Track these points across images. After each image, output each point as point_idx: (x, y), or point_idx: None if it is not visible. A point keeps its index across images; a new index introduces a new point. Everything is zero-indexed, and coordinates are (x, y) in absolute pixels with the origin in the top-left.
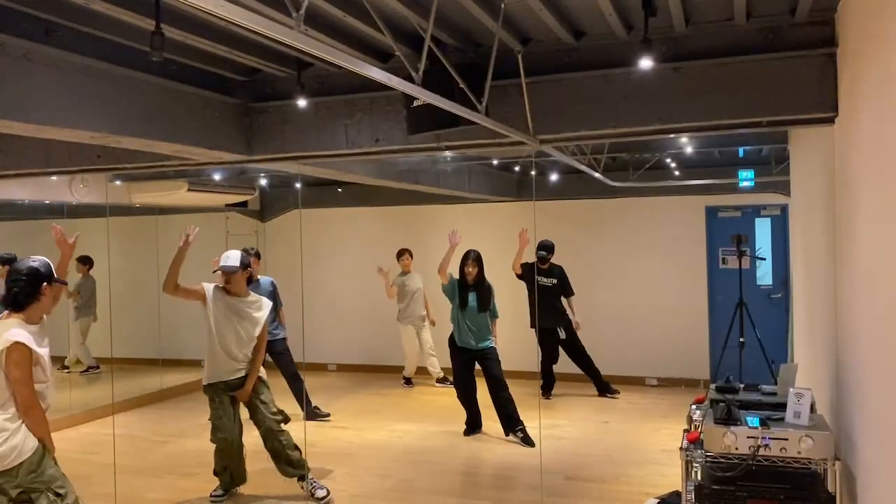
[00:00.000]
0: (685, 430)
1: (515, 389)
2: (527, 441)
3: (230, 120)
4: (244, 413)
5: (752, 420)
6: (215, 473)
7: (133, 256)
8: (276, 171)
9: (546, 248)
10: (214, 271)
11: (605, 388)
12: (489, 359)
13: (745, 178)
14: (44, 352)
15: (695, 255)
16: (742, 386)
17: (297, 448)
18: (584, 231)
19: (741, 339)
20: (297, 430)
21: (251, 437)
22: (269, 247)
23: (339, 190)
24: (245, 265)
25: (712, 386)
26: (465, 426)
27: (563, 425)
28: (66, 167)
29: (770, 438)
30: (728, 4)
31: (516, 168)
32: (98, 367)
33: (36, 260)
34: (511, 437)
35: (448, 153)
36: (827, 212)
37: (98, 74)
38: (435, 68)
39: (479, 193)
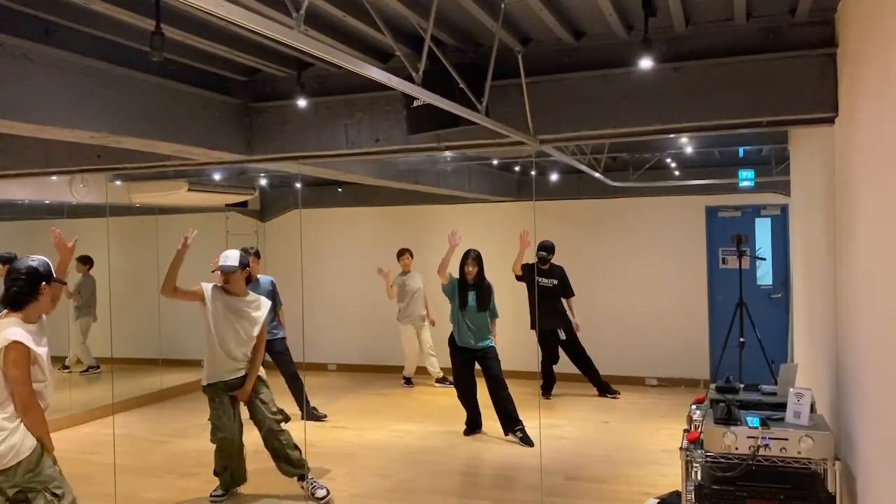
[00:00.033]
0: (685, 430)
1: (515, 389)
2: (526, 441)
3: (230, 120)
4: (244, 413)
5: (752, 420)
6: (215, 473)
7: (133, 256)
8: (276, 171)
9: (546, 248)
10: (213, 271)
11: (605, 388)
12: (489, 358)
13: (745, 178)
14: (42, 351)
15: (695, 255)
16: (742, 386)
17: (296, 447)
18: (584, 231)
19: (741, 339)
20: (297, 430)
21: (251, 437)
22: (269, 247)
23: (339, 190)
24: (244, 265)
25: (712, 386)
26: (465, 426)
27: (563, 425)
28: (66, 167)
29: (770, 438)
30: (728, 4)
31: (516, 168)
32: (98, 367)
33: (35, 259)
34: (510, 437)
35: (448, 153)
36: (827, 212)
37: (98, 74)
38: (435, 68)
39: (479, 193)
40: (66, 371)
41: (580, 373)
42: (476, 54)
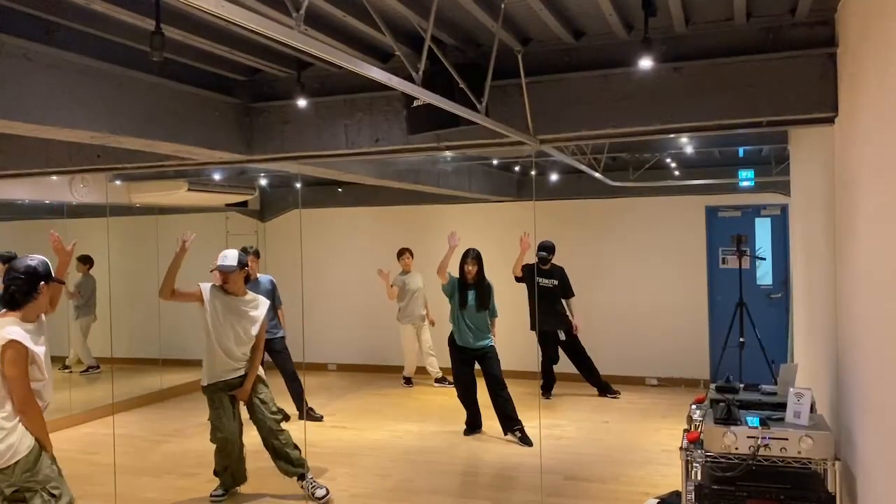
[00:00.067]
0: (685, 430)
1: (515, 389)
2: (524, 441)
3: (230, 120)
4: (244, 413)
5: (752, 420)
6: (216, 473)
7: (133, 256)
8: (276, 171)
9: (547, 248)
10: (212, 270)
11: (605, 388)
12: (489, 358)
13: (745, 178)
14: (40, 350)
15: (695, 255)
16: (742, 386)
17: (296, 447)
18: (584, 231)
19: (741, 339)
20: (297, 430)
21: (251, 437)
22: (269, 247)
23: (339, 190)
24: (243, 264)
25: (712, 386)
26: (465, 426)
27: (563, 425)
28: (66, 167)
29: (770, 438)
30: (728, 4)
31: (516, 168)
32: (98, 367)
33: (34, 259)
34: (509, 437)
35: (448, 153)
36: (827, 212)
37: (98, 74)
38: (435, 68)
39: (479, 193)
40: (67, 371)
41: (580, 373)
42: (476, 54)
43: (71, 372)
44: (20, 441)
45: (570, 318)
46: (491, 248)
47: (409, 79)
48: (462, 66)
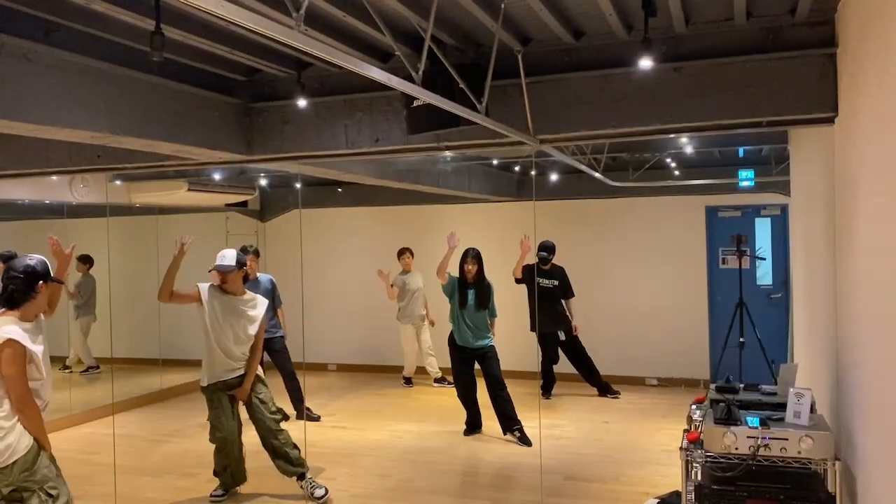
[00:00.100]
0: (685, 430)
1: (515, 389)
2: (523, 440)
3: (230, 120)
4: (243, 412)
5: (752, 420)
6: (215, 474)
7: (133, 256)
8: (276, 171)
9: (547, 248)
10: (210, 270)
11: (605, 388)
12: (488, 358)
13: (745, 178)
14: (38, 349)
15: (695, 255)
16: (742, 386)
17: (295, 447)
18: (584, 231)
19: (741, 339)
20: (297, 429)
21: (250, 437)
22: (269, 247)
23: (339, 190)
24: (241, 264)
25: (712, 386)
26: (464, 426)
27: (563, 425)
28: (66, 167)
29: (770, 438)
30: (728, 4)
31: (516, 168)
32: (98, 367)
33: (33, 258)
34: (508, 437)
35: (448, 153)
36: (827, 212)
37: (98, 74)
38: (435, 68)
39: (479, 193)
40: (67, 371)
41: (580, 373)
42: (476, 54)
43: (71, 372)
44: (18, 440)
45: (570, 318)
46: (491, 248)
47: (409, 79)
48: (462, 66)
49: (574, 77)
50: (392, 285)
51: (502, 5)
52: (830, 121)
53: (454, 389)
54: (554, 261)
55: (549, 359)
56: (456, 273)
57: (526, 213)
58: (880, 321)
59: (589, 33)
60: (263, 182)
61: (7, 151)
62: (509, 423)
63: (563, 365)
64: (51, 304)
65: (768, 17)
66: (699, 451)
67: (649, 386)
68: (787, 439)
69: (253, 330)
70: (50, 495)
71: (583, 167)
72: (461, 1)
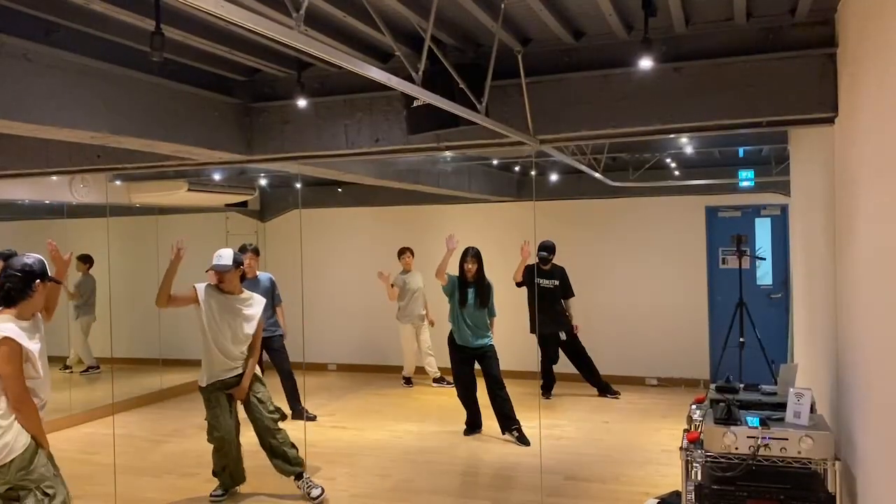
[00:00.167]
0: (685, 430)
1: (515, 389)
2: (522, 440)
3: (230, 120)
4: (241, 412)
5: (752, 420)
6: (214, 474)
7: (133, 256)
8: (276, 171)
9: (547, 248)
10: (207, 270)
11: (605, 388)
12: (488, 357)
13: (745, 178)
14: (35, 347)
15: (695, 255)
16: (742, 386)
17: (293, 446)
18: (584, 231)
19: (741, 339)
20: (297, 429)
21: (249, 437)
22: (269, 247)
23: (339, 190)
24: (238, 263)
25: (712, 386)
26: (464, 426)
27: (563, 425)
28: (66, 167)
29: (770, 438)
30: (728, 4)
31: (516, 168)
32: (98, 367)
33: (31, 257)
34: (507, 436)
35: (448, 153)
36: (827, 212)
37: (98, 74)
38: (435, 68)
39: (479, 193)
40: (68, 371)
41: (580, 373)
42: (476, 54)
43: (71, 372)
44: (15, 439)
45: (570, 318)
46: (491, 248)
47: (409, 79)
48: (462, 66)
49: (574, 77)
50: (392, 285)
51: (502, 5)
52: (830, 121)
53: (454, 389)
54: (554, 261)
55: (548, 359)
56: (455, 273)
57: (526, 213)
58: (880, 321)
59: (589, 33)
60: (263, 182)
61: (7, 151)
62: (508, 422)
63: (563, 365)
64: (49, 309)
65: (768, 17)
66: (699, 451)
67: (649, 386)
68: (787, 439)
69: (250, 329)
70: (46, 494)
71: (583, 167)
72: (461, 1)
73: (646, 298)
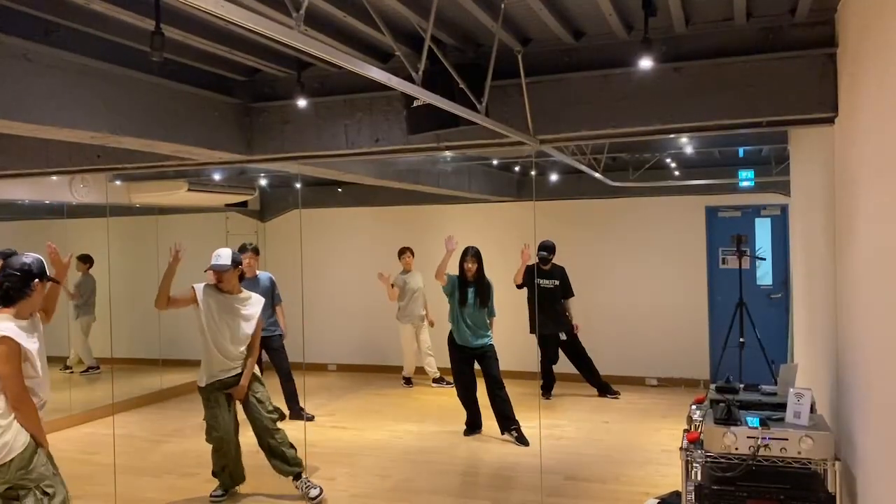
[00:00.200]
0: (685, 430)
1: (515, 389)
2: (521, 440)
3: (230, 120)
4: (240, 412)
5: (752, 420)
6: (214, 474)
7: (133, 256)
8: (276, 171)
9: (547, 248)
10: (206, 270)
11: (605, 388)
12: (488, 357)
13: (745, 178)
14: (33, 347)
15: (695, 255)
16: (742, 386)
17: (292, 446)
18: (584, 231)
19: (741, 339)
20: (297, 430)
21: (248, 437)
22: (269, 247)
23: (339, 190)
24: (237, 263)
25: (712, 386)
26: (464, 426)
27: (563, 425)
28: (66, 167)
29: (770, 438)
30: (728, 4)
31: (516, 168)
32: (98, 368)
33: (29, 256)
34: (506, 436)
35: (448, 153)
36: (827, 212)
37: (98, 74)
38: (435, 68)
39: (479, 193)
40: (68, 371)
41: (580, 373)
42: (476, 54)
43: (72, 372)
44: (15, 438)
45: (570, 318)
46: (491, 249)
47: (409, 79)
48: (462, 66)
49: (574, 77)
50: (392, 285)
51: (502, 5)
52: (830, 121)
53: (454, 389)
54: (554, 261)
55: (548, 359)
56: (455, 273)
57: (526, 213)
58: (880, 321)
59: (589, 33)
60: (263, 182)
61: (7, 151)
62: (507, 422)
63: (563, 365)
64: (48, 310)
65: (768, 17)
66: (699, 451)
67: (649, 386)
68: (787, 439)
69: (249, 329)
70: (46, 493)
71: (583, 167)
72: (461, 1)
73: (646, 298)
